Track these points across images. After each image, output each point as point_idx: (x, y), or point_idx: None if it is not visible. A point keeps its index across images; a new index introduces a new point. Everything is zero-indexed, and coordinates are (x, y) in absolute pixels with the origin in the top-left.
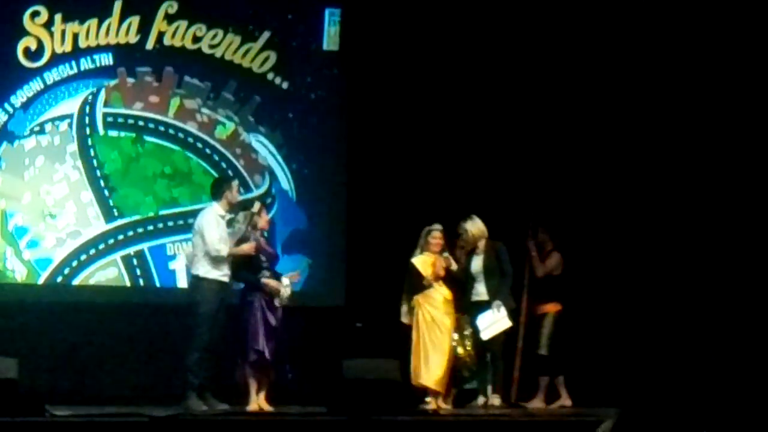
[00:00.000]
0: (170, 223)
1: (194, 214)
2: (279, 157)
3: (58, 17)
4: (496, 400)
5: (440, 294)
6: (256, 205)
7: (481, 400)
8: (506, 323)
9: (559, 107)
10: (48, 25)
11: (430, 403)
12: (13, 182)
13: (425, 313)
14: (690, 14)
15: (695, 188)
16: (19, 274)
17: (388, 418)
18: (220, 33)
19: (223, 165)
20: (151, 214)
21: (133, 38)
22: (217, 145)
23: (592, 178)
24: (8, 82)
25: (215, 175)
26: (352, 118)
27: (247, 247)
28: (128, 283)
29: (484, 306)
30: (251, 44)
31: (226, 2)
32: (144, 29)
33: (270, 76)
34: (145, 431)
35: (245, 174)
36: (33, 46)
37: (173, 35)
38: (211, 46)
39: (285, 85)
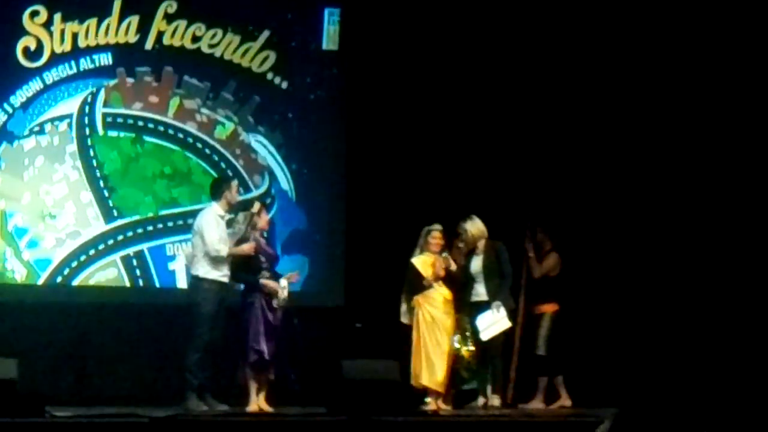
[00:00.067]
0: (170, 224)
1: (194, 214)
2: (278, 157)
3: (57, 17)
4: (495, 401)
5: (440, 294)
6: (256, 206)
7: (480, 400)
8: (506, 324)
9: (558, 107)
10: (47, 24)
11: (430, 404)
12: (12, 182)
13: (425, 313)
14: (688, 14)
15: (693, 188)
16: (18, 274)
17: (387, 418)
18: (220, 32)
19: (223, 165)
20: (151, 214)
21: (132, 38)
22: (217, 145)
23: (590, 179)
24: (7, 82)
25: (215, 175)
26: (352, 118)
27: (247, 248)
28: (128, 284)
29: (483, 306)
30: (250, 44)
31: (225, 2)
32: (143, 29)
33: (269, 75)
34: None
35: (245, 174)
36: (32, 46)
37: (172, 35)
38: (211, 46)
39: (284, 85)
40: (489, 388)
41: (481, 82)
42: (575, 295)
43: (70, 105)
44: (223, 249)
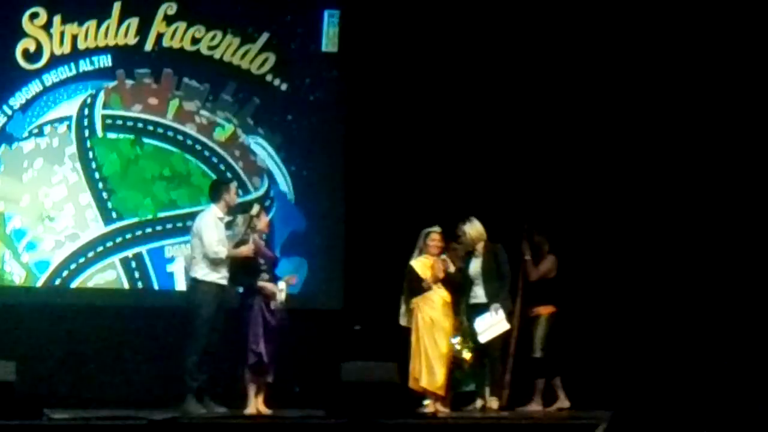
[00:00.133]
0: (169, 226)
1: (193, 216)
2: (278, 159)
3: (57, 19)
4: (494, 403)
5: (439, 296)
6: (255, 208)
7: (479, 403)
8: (504, 326)
9: (557, 111)
10: (47, 26)
11: (428, 406)
12: (11, 184)
13: (424, 315)
14: (683, 14)
15: (689, 191)
16: (17, 276)
17: (386, 420)
18: (219, 34)
19: (222, 167)
20: (150, 216)
21: (131, 40)
22: (216, 147)
23: (587, 182)
24: (7, 84)
25: (214, 177)
26: (351, 120)
27: (246, 250)
28: (127, 286)
29: (482, 309)
30: (250, 46)
31: (225, 4)
32: (143, 31)
33: (269, 77)
34: None
35: (244, 176)
36: (32, 48)
37: (172, 37)
38: (210, 48)
39: (284, 87)
40: (487, 391)
41: (480, 84)
42: (572, 298)
43: (70, 107)
44: (222, 251)
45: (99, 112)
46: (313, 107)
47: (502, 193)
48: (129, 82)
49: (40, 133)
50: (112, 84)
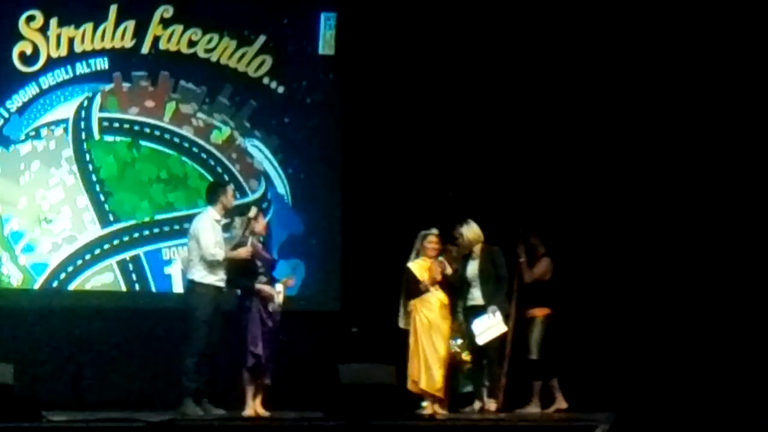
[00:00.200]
0: (166, 228)
1: (190, 218)
2: (274, 162)
3: (53, 21)
4: (492, 405)
5: (437, 298)
6: (253, 210)
7: (477, 404)
8: (502, 328)
9: (552, 114)
10: (43, 29)
11: (426, 408)
12: (8, 187)
13: (422, 317)
14: (683, 14)
15: (684, 193)
16: (14, 279)
17: (384, 422)
18: (216, 37)
19: (219, 170)
20: (147, 218)
21: (128, 42)
22: (213, 150)
23: (583, 184)
24: (3, 87)
25: (211, 179)
26: (348, 123)
27: (243, 252)
28: (124, 288)
29: (479, 311)
30: (247, 48)
31: (221, 6)
32: (139, 33)
33: (265, 80)
34: None
35: (241, 179)
36: (28, 51)
37: (168, 39)
38: (207, 51)
39: (280, 90)
40: (485, 392)
41: (476, 86)
42: (567, 300)
43: (67, 110)
44: (219, 253)
45: (96, 114)
46: (310, 110)
47: (498, 195)
48: (126, 85)
49: (37, 136)
50: (108, 87)
